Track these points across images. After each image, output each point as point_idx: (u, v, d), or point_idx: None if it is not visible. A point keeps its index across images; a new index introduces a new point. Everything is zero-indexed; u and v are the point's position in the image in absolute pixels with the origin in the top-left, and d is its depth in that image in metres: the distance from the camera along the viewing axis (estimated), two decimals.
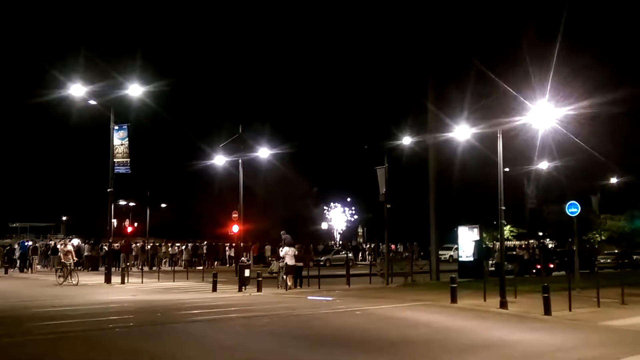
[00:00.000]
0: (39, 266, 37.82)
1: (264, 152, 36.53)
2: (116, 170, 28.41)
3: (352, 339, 12.04)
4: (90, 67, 32.65)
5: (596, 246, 49.30)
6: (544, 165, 45.22)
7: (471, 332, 12.94)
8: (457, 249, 34.29)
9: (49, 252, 39.96)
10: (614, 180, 54.92)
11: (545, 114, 19.16)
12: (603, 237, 52.73)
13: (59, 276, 26.40)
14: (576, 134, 28.92)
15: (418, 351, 10.70)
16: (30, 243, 40.26)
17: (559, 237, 49.73)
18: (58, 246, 28.20)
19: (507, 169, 29.39)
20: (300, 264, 25.32)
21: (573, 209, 22.69)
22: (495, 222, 25.76)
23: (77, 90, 27.97)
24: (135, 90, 28.23)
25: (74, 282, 25.68)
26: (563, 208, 24.41)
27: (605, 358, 10.04)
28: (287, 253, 24.26)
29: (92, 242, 40.16)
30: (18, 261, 37.20)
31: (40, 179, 69.19)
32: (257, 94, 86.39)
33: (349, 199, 75.30)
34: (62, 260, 26.71)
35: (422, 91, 31.81)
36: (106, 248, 32.15)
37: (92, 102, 28.98)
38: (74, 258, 27.74)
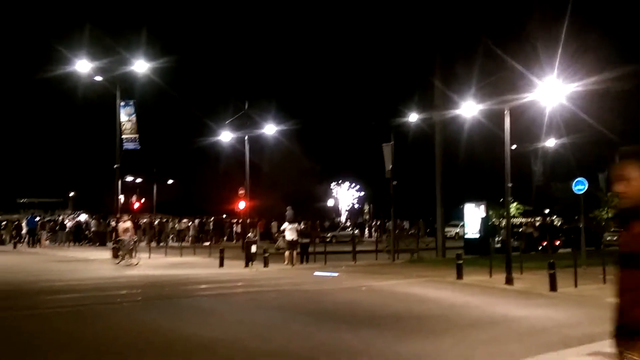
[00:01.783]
0: (47, 241, 38.13)
1: (269, 129, 36.47)
2: (125, 147, 28.44)
3: (358, 314, 12.11)
4: (96, 43, 32.54)
5: (603, 223, 49.17)
6: (551, 142, 45.03)
7: (477, 307, 13.00)
8: (463, 226, 34.31)
9: (57, 228, 40.33)
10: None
11: (553, 90, 19.03)
12: (609, 215, 52.57)
13: (117, 255, 24.08)
14: (584, 110, 28.76)
15: (424, 326, 10.76)
16: (38, 218, 40.54)
17: (566, 214, 49.62)
18: (120, 223, 24.80)
19: (514, 146, 29.30)
20: (307, 240, 25.43)
21: (580, 186, 22.63)
22: (501, 199, 25.73)
23: (83, 66, 27.94)
24: (140, 66, 28.17)
25: (134, 262, 22.82)
26: (570, 185, 24.35)
27: (610, 334, 10.07)
28: (287, 228, 24.43)
29: (100, 218, 40.42)
30: (26, 236, 37.52)
31: (48, 155, 69.41)
32: (263, 70, 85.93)
33: (355, 176, 75.24)
34: (121, 238, 23.87)
35: (429, 68, 31.62)
36: (113, 224, 32.35)
37: (98, 78, 28.96)
38: (134, 236, 24.89)
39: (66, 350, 8.62)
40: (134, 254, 23.52)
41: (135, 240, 24.91)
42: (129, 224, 24.41)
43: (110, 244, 32.20)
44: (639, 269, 2.84)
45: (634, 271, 2.86)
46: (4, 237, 39.18)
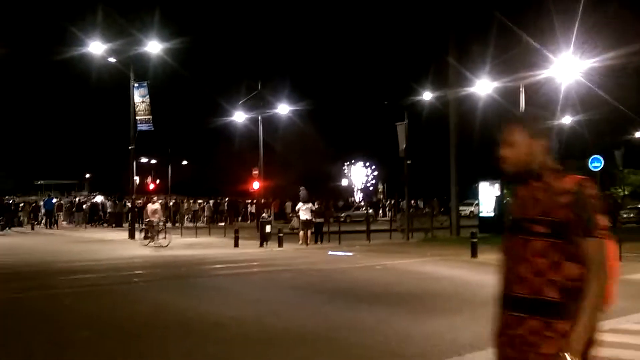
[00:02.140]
0: (64, 222, 38.56)
1: (283, 109, 36.44)
2: (139, 128, 28.55)
3: (372, 292, 12.15)
4: (109, 25, 32.56)
5: (619, 201, 48.81)
6: (567, 119, 44.58)
7: (492, 286, 12.86)
8: (477, 204, 34.19)
9: (74, 209, 40.75)
10: (639, 133, 54.01)
11: (569, 66, 18.84)
12: (626, 192, 52.16)
13: (144, 237, 24.06)
14: (601, 86, 28.37)
15: (438, 304, 10.78)
16: (55, 200, 40.97)
17: None
18: (149, 204, 24.40)
19: None
20: (321, 219, 25.50)
21: (596, 163, 22.47)
22: None
23: (96, 47, 27.98)
24: (154, 47, 28.17)
25: (163, 244, 22.60)
26: (586, 162, 24.14)
27: (625, 311, 10.03)
28: (301, 208, 24.53)
29: (115, 199, 40.77)
30: (44, 218, 37.94)
31: (64, 138, 70.02)
32: (276, 50, 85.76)
33: (369, 155, 75.18)
34: (150, 219, 23.77)
35: (443, 45, 31.29)
36: (129, 205, 32.62)
37: (112, 59, 29.00)
38: (162, 217, 24.80)
39: (84, 329, 8.73)
40: (163, 235, 23.27)
41: (163, 221, 24.81)
42: (157, 205, 24.17)
43: (126, 225, 32.51)
44: (529, 236, 2.79)
45: (524, 237, 2.82)
46: (22, 218, 39.67)
